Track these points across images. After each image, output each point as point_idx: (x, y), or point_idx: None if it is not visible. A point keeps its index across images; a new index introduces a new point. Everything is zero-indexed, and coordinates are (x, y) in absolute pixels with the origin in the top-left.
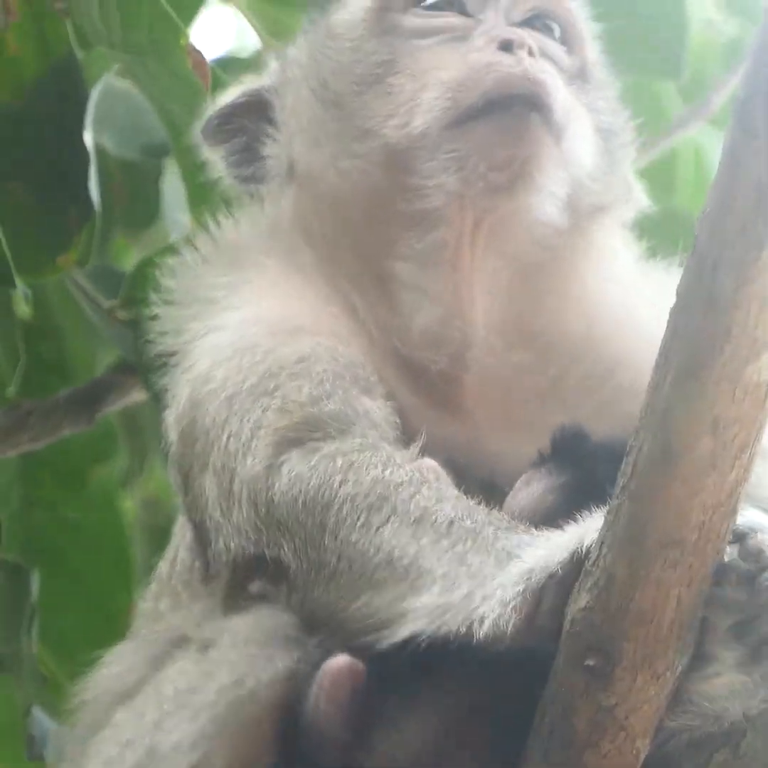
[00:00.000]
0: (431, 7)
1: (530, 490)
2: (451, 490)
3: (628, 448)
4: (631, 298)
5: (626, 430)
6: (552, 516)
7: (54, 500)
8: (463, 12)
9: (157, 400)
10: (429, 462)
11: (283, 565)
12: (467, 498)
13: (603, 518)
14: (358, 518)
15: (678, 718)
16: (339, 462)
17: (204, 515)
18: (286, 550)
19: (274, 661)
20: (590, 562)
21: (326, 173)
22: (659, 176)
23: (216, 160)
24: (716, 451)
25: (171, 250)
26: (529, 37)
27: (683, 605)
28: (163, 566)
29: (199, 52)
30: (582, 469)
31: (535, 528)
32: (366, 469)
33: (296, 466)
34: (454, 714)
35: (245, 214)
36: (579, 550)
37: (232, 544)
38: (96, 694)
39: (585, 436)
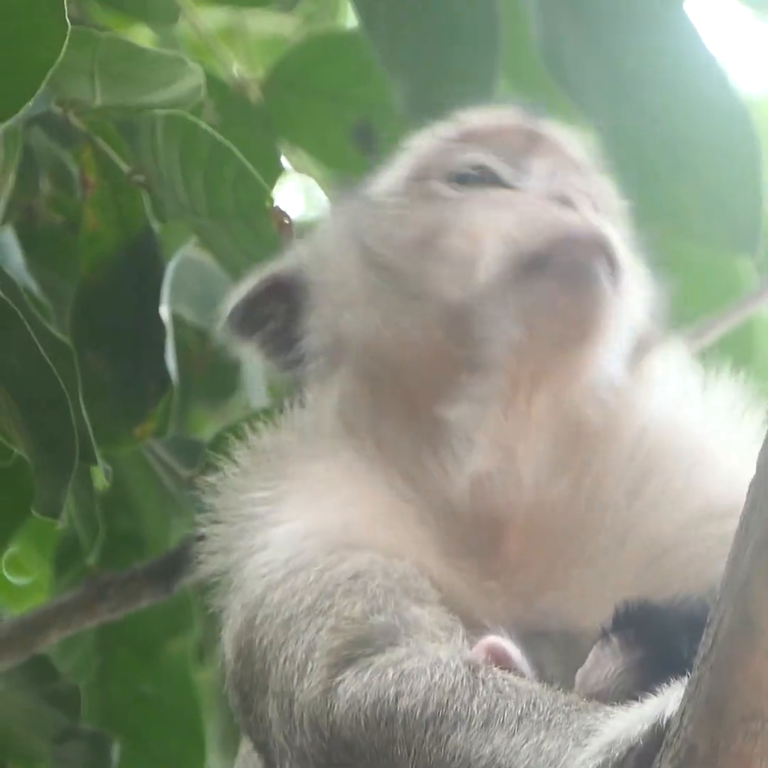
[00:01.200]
0: (466, 181)
1: (601, 671)
2: (510, 680)
3: (708, 620)
4: (691, 440)
5: (690, 589)
6: (627, 694)
7: (130, 672)
8: (499, 183)
9: None
10: (491, 640)
11: None
12: (531, 681)
13: (683, 689)
14: (426, 730)
15: None
16: (390, 674)
17: (267, 738)
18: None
19: None
20: (671, 734)
21: (382, 333)
22: (735, 349)
23: (250, 352)
24: None
25: (253, 416)
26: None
27: None
28: None
29: (284, 213)
30: (652, 643)
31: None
32: (417, 676)
33: (350, 686)
34: None
35: (287, 416)
36: (660, 721)
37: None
38: None
39: (650, 607)
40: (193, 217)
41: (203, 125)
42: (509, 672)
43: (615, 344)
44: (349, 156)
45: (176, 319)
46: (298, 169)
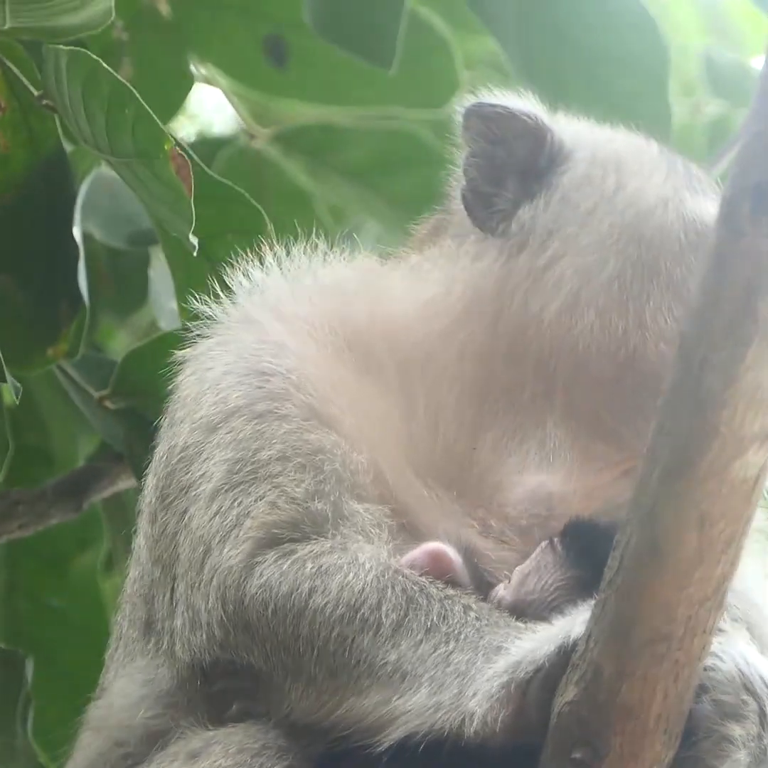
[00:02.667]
0: None
1: (539, 578)
2: (424, 587)
3: (614, 543)
4: None
5: None
6: (557, 609)
7: (38, 586)
8: None
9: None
10: (434, 545)
11: (253, 671)
12: (447, 589)
13: (590, 611)
14: (332, 630)
15: None
16: (308, 567)
17: (172, 566)
18: (256, 654)
19: None
20: (577, 656)
21: (558, 302)
22: None
23: (458, 147)
24: (702, 547)
25: (160, 340)
26: None
27: (670, 699)
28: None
29: (182, 157)
30: (592, 564)
31: (538, 617)
32: (333, 574)
33: (267, 571)
34: None
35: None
36: (566, 643)
37: (193, 638)
38: (101, 720)
39: (598, 529)
40: (96, 152)
41: (104, 65)
42: (445, 580)
43: None
44: (260, 70)
45: (86, 236)
46: (209, 82)
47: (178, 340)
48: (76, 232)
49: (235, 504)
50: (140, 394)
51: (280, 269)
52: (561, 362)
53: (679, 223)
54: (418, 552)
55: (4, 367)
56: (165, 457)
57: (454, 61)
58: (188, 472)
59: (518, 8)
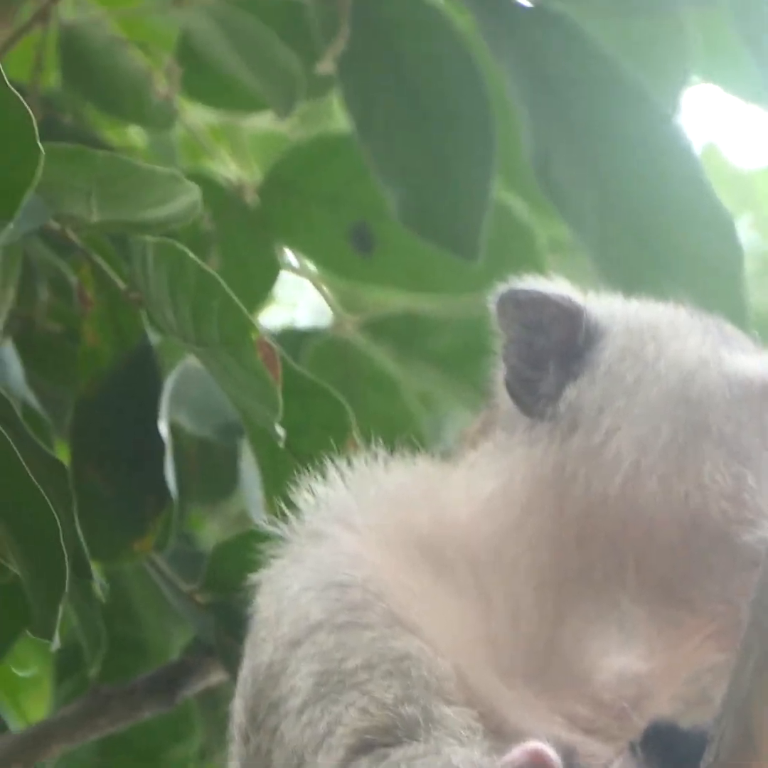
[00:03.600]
0: None
1: None
2: None
3: (710, 738)
4: None
5: None
6: None
7: None
8: None
9: (235, 681)
10: (535, 745)
11: None
12: None
13: None
14: None
15: None
16: None
17: None
18: None
19: None
20: None
21: (620, 476)
22: None
23: (498, 334)
24: None
25: (249, 535)
26: None
27: None
28: None
29: (269, 346)
30: (674, 761)
31: None
32: None
33: None
34: None
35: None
36: None
37: None
38: None
39: (678, 732)
40: (182, 342)
41: (191, 255)
42: None
43: None
44: (346, 258)
45: (176, 427)
46: (296, 270)
47: (265, 534)
48: (163, 426)
49: (325, 713)
50: (229, 588)
51: (343, 481)
52: (630, 536)
53: (722, 380)
54: (519, 753)
55: (90, 562)
56: (251, 678)
57: (537, 247)
58: (276, 689)
59: (596, 201)
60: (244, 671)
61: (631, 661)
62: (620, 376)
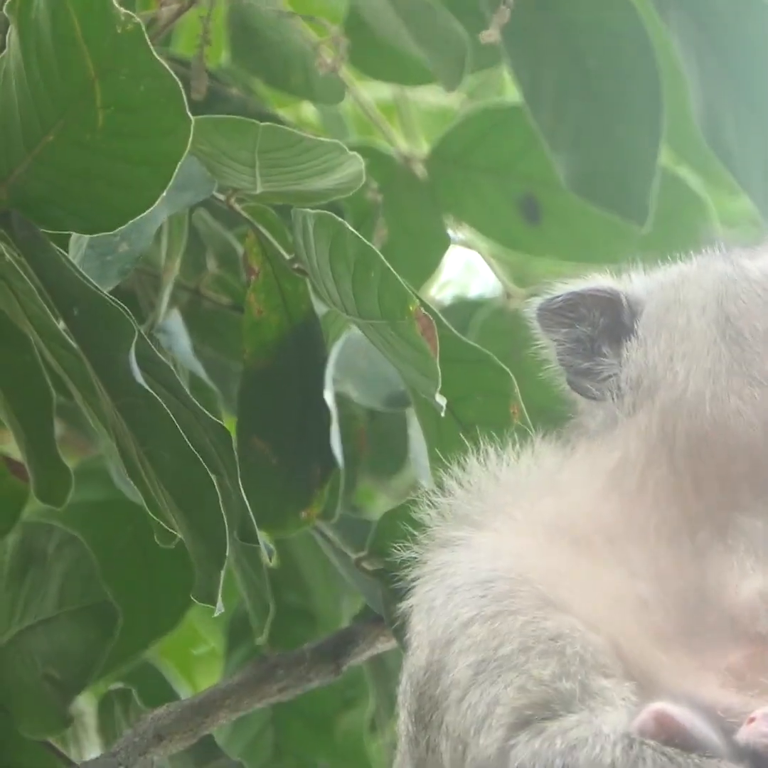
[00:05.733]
0: None
1: None
2: (671, 757)
3: None
4: None
5: None
6: None
7: (304, 747)
8: None
9: (405, 649)
10: (658, 706)
11: None
12: (695, 758)
13: None
14: None
15: None
16: (558, 744)
17: None
18: None
19: None
20: None
21: (709, 407)
22: None
23: (547, 344)
24: None
25: (416, 502)
26: None
27: None
28: None
29: (427, 317)
30: None
31: None
32: (580, 748)
33: (520, 753)
34: None
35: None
36: None
37: None
38: None
39: None
40: (344, 314)
41: (349, 227)
42: (676, 741)
43: None
44: (515, 229)
45: (343, 397)
46: (465, 244)
47: (431, 499)
48: (328, 395)
49: (484, 695)
50: (397, 555)
51: (482, 470)
52: (735, 459)
53: (753, 286)
54: (643, 714)
55: (257, 529)
56: (411, 684)
57: (709, 217)
58: (437, 686)
59: (766, 160)
60: (403, 682)
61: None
62: (673, 323)
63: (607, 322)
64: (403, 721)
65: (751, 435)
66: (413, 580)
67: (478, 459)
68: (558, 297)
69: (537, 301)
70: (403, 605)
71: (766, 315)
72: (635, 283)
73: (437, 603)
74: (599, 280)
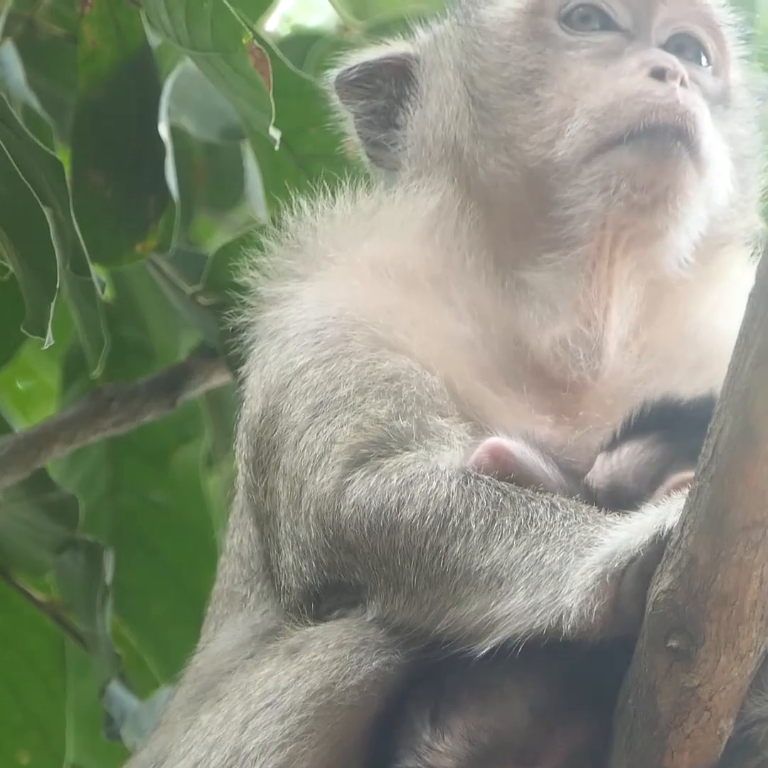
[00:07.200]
0: (578, 23)
1: (619, 456)
2: (506, 492)
3: (708, 431)
4: None
5: None
6: (645, 479)
7: (140, 481)
8: (611, 27)
9: (240, 382)
10: (492, 441)
11: (359, 586)
12: (528, 491)
13: (684, 500)
14: (426, 542)
15: (761, 705)
16: (394, 479)
17: (273, 513)
18: (360, 571)
19: (364, 665)
20: (672, 544)
21: (476, 169)
22: None
23: (345, 115)
24: None
25: (252, 235)
26: (681, 64)
27: (766, 586)
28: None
29: (260, 50)
30: (671, 432)
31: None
32: (416, 483)
33: (357, 489)
34: (540, 696)
35: (369, 193)
36: (661, 532)
37: (304, 567)
38: (199, 669)
39: (672, 400)
40: (177, 46)
41: None
42: (511, 474)
43: (692, 218)
44: None
45: (179, 131)
46: None
47: (266, 234)
48: (163, 128)
49: (321, 435)
50: (232, 289)
51: (309, 220)
52: (509, 214)
53: (491, 38)
54: (479, 450)
55: (90, 262)
56: (247, 432)
57: None
58: (275, 430)
59: None
60: (240, 427)
61: (567, 325)
62: (437, 85)
63: (401, 91)
64: (241, 472)
65: (517, 194)
66: (248, 344)
67: (298, 207)
68: (353, 68)
69: (334, 73)
70: (238, 338)
71: (503, 70)
72: (417, 46)
73: (270, 357)
74: (393, 46)
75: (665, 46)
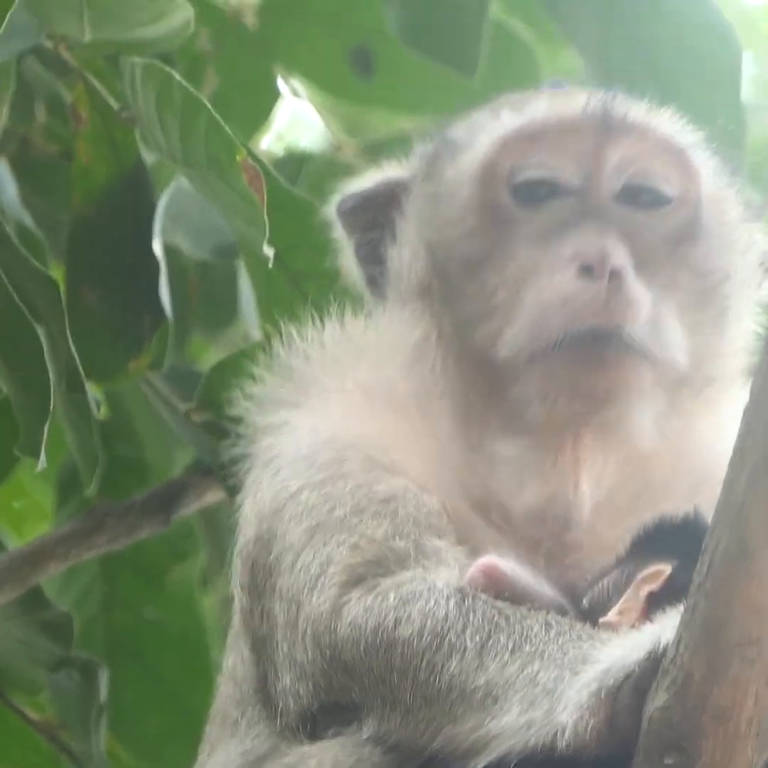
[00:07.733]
0: (526, 194)
1: (614, 576)
2: (501, 609)
3: (703, 547)
4: None
5: None
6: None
7: (134, 599)
8: (559, 192)
9: (234, 501)
10: (484, 560)
11: (355, 705)
12: (522, 609)
13: (679, 616)
14: (422, 659)
15: None
16: (391, 598)
17: (270, 637)
18: (356, 691)
19: None
20: (667, 661)
21: (443, 332)
22: None
23: (346, 247)
24: None
25: (245, 354)
26: (615, 249)
27: (761, 703)
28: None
29: (254, 168)
30: (668, 553)
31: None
32: (414, 601)
33: (353, 609)
34: None
35: (360, 321)
36: (656, 648)
37: (301, 689)
38: None
39: (667, 522)
40: (172, 163)
41: (177, 76)
42: (505, 593)
43: (648, 397)
44: (347, 81)
45: (173, 249)
46: (296, 94)
47: (257, 361)
48: (157, 245)
49: (317, 556)
50: (226, 407)
51: (300, 346)
52: (478, 383)
53: (451, 201)
54: (472, 569)
55: (85, 380)
56: (242, 558)
57: (537, 69)
58: (270, 554)
59: (598, 20)
60: (235, 555)
61: (538, 491)
62: (404, 237)
63: (391, 218)
64: (237, 598)
65: (475, 379)
66: (243, 474)
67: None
68: (350, 196)
69: (334, 202)
70: (233, 455)
71: (461, 244)
72: (407, 170)
73: (264, 484)
74: (387, 171)
75: (619, 196)
